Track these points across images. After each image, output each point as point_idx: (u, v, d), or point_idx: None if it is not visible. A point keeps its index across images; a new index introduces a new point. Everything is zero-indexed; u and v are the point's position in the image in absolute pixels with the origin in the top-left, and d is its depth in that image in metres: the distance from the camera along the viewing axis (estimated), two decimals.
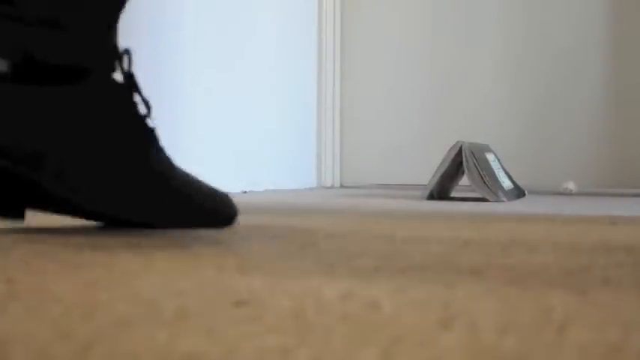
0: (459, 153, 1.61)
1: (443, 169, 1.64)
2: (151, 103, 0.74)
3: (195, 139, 1.72)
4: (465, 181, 1.67)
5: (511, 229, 0.90)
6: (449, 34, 2.49)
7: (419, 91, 2.53)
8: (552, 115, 2.39)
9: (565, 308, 0.40)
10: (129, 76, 0.72)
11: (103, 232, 0.77)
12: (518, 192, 1.79)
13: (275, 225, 0.89)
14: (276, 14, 2.19)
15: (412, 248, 0.68)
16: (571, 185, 2.02)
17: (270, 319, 0.36)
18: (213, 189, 0.72)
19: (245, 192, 1.84)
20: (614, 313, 0.39)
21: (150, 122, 0.73)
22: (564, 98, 2.38)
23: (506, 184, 1.71)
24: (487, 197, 1.56)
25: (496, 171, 1.68)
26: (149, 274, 0.50)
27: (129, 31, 0.83)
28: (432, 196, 1.65)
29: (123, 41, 0.77)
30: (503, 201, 1.55)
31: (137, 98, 0.73)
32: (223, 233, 0.77)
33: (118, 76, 0.73)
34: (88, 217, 0.76)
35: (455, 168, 1.67)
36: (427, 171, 1.79)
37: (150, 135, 0.72)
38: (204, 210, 0.70)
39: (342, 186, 2.58)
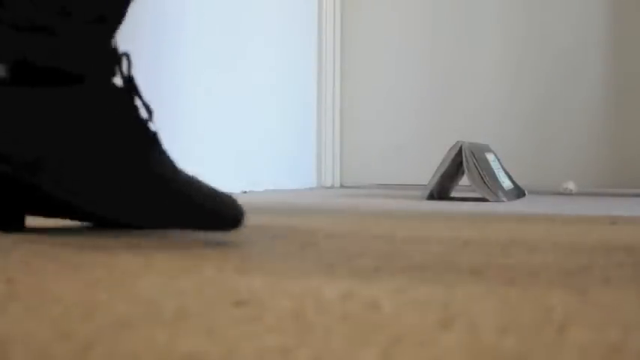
0: (459, 153, 1.61)
1: (443, 169, 1.64)
2: (152, 103, 0.74)
3: (195, 139, 1.72)
4: (465, 181, 1.67)
5: (511, 229, 0.90)
6: (449, 34, 2.49)
7: (419, 91, 2.52)
8: (552, 115, 2.39)
9: (565, 308, 0.40)
10: (128, 80, 0.72)
11: (103, 232, 0.77)
12: (518, 192, 1.79)
13: (275, 225, 0.89)
14: (277, 14, 2.19)
15: (412, 248, 0.68)
16: (571, 185, 2.02)
17: (270, 319, 0.36)
18: (216, 191, 0.71)
19: (245, 192, 1.84)
20: (614, 313, 0.39)
21: (151, 126, 0.72)
22: (564, 98, 2.38)
23: (506, 184, 1.71)
24: (487, 197, 1.56)
25: (496, 171, 1.68)
26: (149, 274, 0.50)
27: (130, 32, 0.83)
28: (432, 196, 1.65)
29: (124, 42, 0.77)
30: (503, 201, 1.55)
31: (138, 102, 0.72)
32: (224, 234, 0.77)
33: (118, 81, 0.73)
34: (87, 220, 0.76)
35: (455, 168, 1.66)
36: (427, 171, 1.79)
37: (151, 138, 0.71)
38: (206, 212, 0.69)
39: (342, 186, 2.58)
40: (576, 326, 0.35)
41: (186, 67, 1.73)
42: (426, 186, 1.68)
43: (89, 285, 0.46)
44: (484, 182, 1.57)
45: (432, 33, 2.51)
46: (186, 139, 1.65)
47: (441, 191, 1.69)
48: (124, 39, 0.77)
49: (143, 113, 0.72)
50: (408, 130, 2.53)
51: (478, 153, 1.64)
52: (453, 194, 1.80)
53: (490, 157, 1.72)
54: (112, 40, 0.73)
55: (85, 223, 0.80)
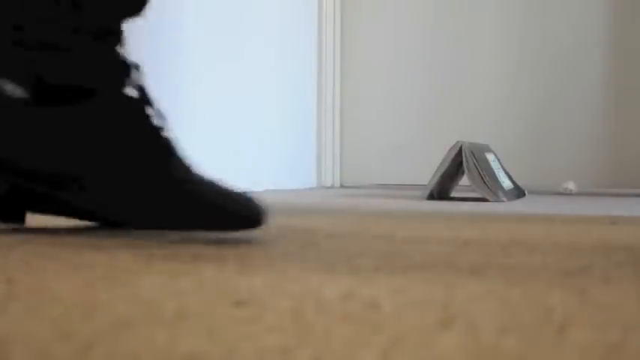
0: (459, 153, 1.61)
1: (443, 169, 1.64)
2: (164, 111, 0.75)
3: (195, 139, 1.72)
4: (465, 181, 1.67)
5: (511, 229, 0.90)
6: (449, 35, 2.49)
7: (419, 91, 2.53)
8: (552, 115, 2.39)
9: (565, 308, 0.40)
10: (140, 90, 0.73)
11: (103, 232, 0.77)
12: (518, 192, 1.79)
13: (275, 225, 0.89)
14: (277, 14, 2.19)
15: (412, 248, 0.68)
16: (571, 185, 2.02)
17: (270, 319, 0.36)
18: (236, 192, 0.72)
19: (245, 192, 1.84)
20: (614, 313, 0.39)
21: (165, 132, 0.73)
22: (564, 98, 2.38)
23: (506, 184, 1.71)
24: (487, 197, 1.56)
25: (496, 171, 1.68)
26: (149, 274, 0.50)
27: (129, 33, 0.83)
28: (432, 196, 1.65)
29: None
30: (503, 201, 1.55)
31: (151, 110, 0.73)
32: (223, 233, 0.77)
33: (131, 91, 0.73)
34: (105, 224, 0.78)
35: (455, 168, 1.67)
36: (427, 171, 1.79)
37: (166, 144, 0.72)
38: (225, 213, 0.70)
39: (342, 186, 2.58)
40: (576, 326, 0.35)
41: (186, 67, 1.73)
42: (426, 186, 1.68)
43: (89, 285, 0.46)
44: (484, 182, 1.57)
45: (432, 33, 2.51)
46: (186, 139, 1.64)
47: (441, 191, 1.69)
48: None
49: (157, 120, 0.73)
50: (408, 130, 2.53)
51: (478, 153, 1.64)
52: (453, 194, 1.80)
53: (490, 157, 1.72)
54: (121, 51, 0.74)
55: (85, 222, 0.80)
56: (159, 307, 0.39)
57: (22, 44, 0.68)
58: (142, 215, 0.70)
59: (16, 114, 0.66)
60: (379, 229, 0.90)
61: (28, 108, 0.67)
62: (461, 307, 0.40)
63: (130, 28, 0.80)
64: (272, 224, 0.89)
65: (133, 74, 0.73)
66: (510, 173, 1.84)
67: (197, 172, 0.72)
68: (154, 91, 0.75)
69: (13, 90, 0.67)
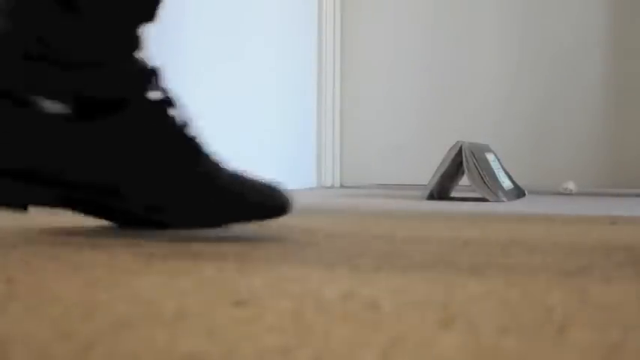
0: (459, 153, 1.61)
1: (443, 169, 1.64)
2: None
3: None
4: (465, 181, 1.67)
5: (511, 229, 0.90)
6: (449, 35, 2.49)
7: (419, 91, 2.53)
8: (552, 115, 2.39)
9: (565, 308, 0.40)
10: (163, 92, 0.76)
11: (103, 232, 0.77)
12: (518, 192, 1.79)
13: (275, 225, 0.89)
14: (277, 14, 2.19)
15: (412, 248, 0.68)
16: (571, 185, 2.02)
17: (270, 319, 0.36)
18: (262, 183, 0.76)
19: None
20: (614, 313, 0.39)
21: (190, 130, 0.76)
22: (564, 98, 2.38)
23: (506, 184, 1.71)
24: (487, 197, 1.56)
25: (496, 171, 1.68)
26: (149, 274, 0.50)
27: None
28: (432, 196, 1.65)
29: None
30: (503, 201, 1.55)
31: (175, 110, 0.76)
32: (224, 233, 0.77)
33: (156, 95, 0.75)
34: (151, 227, 0.79)
35: (455, 168, 1.67)
36: (427, 171, 1.79)
37: (192, 142, 0.76)
38: (253, 205, 0.74)
39: (342, 186, 2.58)
40: (576, 326, 0.35)
41: (185, 67, 1.73)
42: (426, 186, 1.68)
43: (89, 285, 0.46)
44: (484, 182, 1.57)
45: (432, 33, 2.51)
46: None
47: (441, 191, 1.69)
48: None
49: (182, 119, 0.76)
50: (408, 130, 2.53)
51: (478, 153, 1.64)
52: (453, 194, 1.80)
53: (490, 157, 1.72)
54: (143, 56, 0.76)
55: (85, 222, 0.80)
56: (159, 307, 0.39)
57: (58, 63, 0.71)
58: (180, 214, 0.73)
59: (58, 130, 0.70)
60: (379, 229, 0.90)
61: (69, 124, 0.70)
62: (461, 307, 0.40)
63: None
64: (272, 224, 0.89)
65: (157, 77, 0.76)
66: (510, 173, 1.84)
67: (225, 167, 0.77)
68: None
69: (52, 106, 0.69)
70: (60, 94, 0.70)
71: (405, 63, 2.54)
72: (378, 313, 0.38)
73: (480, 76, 2.46)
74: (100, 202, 0.74)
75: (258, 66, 2.05)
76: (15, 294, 0.43)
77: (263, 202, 0.75)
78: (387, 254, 0.63)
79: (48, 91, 0.70)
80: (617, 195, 1.98)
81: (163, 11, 0.78)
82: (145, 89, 0.74)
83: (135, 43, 0.76)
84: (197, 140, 0.77)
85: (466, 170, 1.59)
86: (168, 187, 0.72)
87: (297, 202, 1.46)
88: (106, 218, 0.79)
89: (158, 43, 1.61)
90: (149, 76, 0.75)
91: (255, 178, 0.77)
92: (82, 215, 0.78)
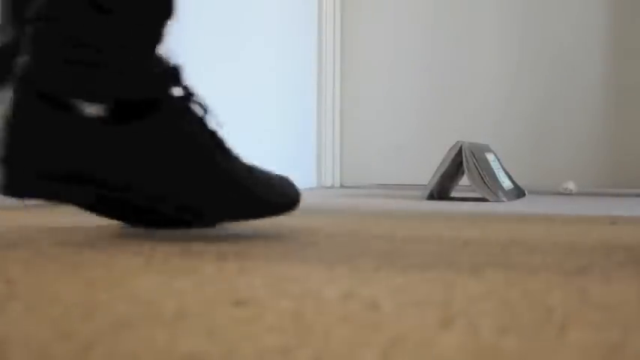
0: (459, 153, 1.61)
1: (443, 169, 1.64)
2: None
3: None
4: (465, 181, 1.67)
5: (511, 229, 0.90)
6: (449, 35, 2.49)
7: (419, 91, 2.53)
8: (552, 115, 2.39)
9: (565, 308, 0.40)
10: (185, 89, 0.76)
11: (103, 232, 0.77)
12: (518, 192, 1.79)
13: (275, 225, 0.89)
14: (277, 15, 2.19)
15: (412, 248, 0.68)
16: (571, 185, 2.02)
17: (270, 319, 0.36)
18: (274, 177, 0.79)
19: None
20: (614, 313, 0.39)
21: (211, 125, 0.77)
22: (564, 98, 2.38)
23: (506, 184, 1.71)
24: (487, 197, 1.56)
25: (496, 171, 1.68)
26: (149, 274, 0.50)
27: None
28: (432, 196, 1.65)
29: None
30: (503, 201, 1.55)
31: (197, 107, 0.77)
32: (223, 231, 0.77)
33: (179, 91, 0.77)
34: (181, 226, 0.80)
35: (455, 168, 1.67)
36: (427, 171, 1.79)
37: (215, 138, 0.77)
38: (263, 202, 0.76)
39: (342, 186, 2.58)
40: (576, 326, 0.35)
41: (185, 67, 1.73)
42: (426, 186, 1.68)
43: (89, 285, 0.46)
44: (484, 182, 1.57)
45: (432, 33, 2.51)
46: None
47: (441, 191, 1.69)
48: None
49: (199, 113, 0.77)
50: (408, 130, 2.53)
51: (478, 153, 1.64)
52: (453, 194, 1.80)
53: (490, 157, 1.72)
54: (165, 54, 0.78)
55: (85, 222, 0.80)
56: (159, 307, 0.39)
57: (96, 65, 0.71)
58: (210, 213, 0.74)
59: (98, 133, 0.70)
60: (379, 228, 0.90)
61: (108, 127, 0.71)
62: (461, 307, 0.40)
63: None
64: (272, 224, 0.89)
65: (179, 75, 0.77)
66: (510, 173, 1.84)
67: (243, 162, 0.78)
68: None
69: (88, 108, 0.70)
70: (100, 97, 0.71)
71: (405, 63, 2.54)
72: (378, 313, 0.38)
73: (480, 76, 2.46)
74: (134, 204, 0.74)
75: (258, 66, 2.05)
76: (15, 294, 0.43)
77: (278, 198, 0.77)
78: (387, 254, 0.63)
79: (88, 93, 0.70)
80: (617, 195, 1.98)
81: None
82: (172, 87, 0.76)
83: (161, 41, 0.77)
84: (218, 135, 0.77)
85: (466, 170, 1.59)
86: (200, 187, 0.73)
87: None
88: (134, 220, 0.80)
89: None
90: (174, 73, 0.76)
91: (267, 172, 0.79)
92: (109, 218, 0.79)
